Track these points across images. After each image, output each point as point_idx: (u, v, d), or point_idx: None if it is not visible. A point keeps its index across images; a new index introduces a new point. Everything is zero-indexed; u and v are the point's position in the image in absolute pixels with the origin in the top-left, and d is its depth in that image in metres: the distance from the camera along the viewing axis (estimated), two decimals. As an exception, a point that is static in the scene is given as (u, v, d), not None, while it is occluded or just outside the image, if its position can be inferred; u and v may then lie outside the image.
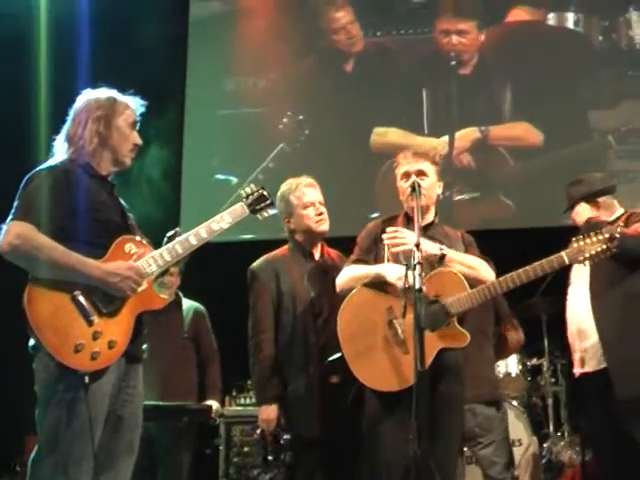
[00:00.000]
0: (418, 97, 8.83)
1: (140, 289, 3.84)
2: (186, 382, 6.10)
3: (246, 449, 7.00)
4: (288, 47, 9.23)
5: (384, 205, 8.15)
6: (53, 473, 3.63)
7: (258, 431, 5.17)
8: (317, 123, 9.05)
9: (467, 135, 8.63)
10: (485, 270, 4.59)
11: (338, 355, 4.62)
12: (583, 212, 5.15)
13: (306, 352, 4.95)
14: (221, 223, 4.10)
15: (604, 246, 4.33)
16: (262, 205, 4.30)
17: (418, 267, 4.08)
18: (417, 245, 4.18)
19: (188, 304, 6.30)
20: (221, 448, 7.03)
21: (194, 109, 9.17)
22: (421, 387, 3.91)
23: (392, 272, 4.44)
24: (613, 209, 5.18)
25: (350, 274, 4.67)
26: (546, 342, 7.01)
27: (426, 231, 4.61)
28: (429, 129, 8.76)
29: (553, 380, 7.19)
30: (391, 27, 9.03)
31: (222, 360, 6.33)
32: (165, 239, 4.05)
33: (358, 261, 4.73)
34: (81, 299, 3.70)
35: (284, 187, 5.22)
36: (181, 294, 6.28)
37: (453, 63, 8.82)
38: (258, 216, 4.31)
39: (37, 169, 3.89)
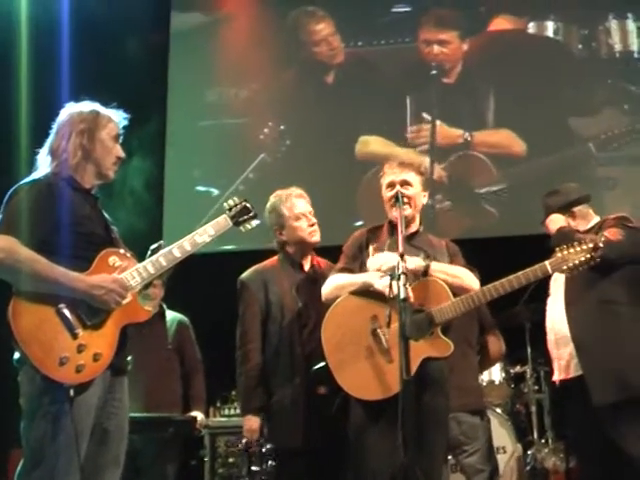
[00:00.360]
0: (401, 106, 8.84)
1: (125, 302, 3.85)
2: (170, 393, 6.09)
3: (231, 460, 6.98)
4: (269, 58, 9.21)
5: (367, 213, 8.17)
6: (39, 486, 3.62)
7: (243, 441, 5.15)
8: (298, 133, 9.05)
9: (448, 141, 8.67)
10: (469, 278, 4.61)
11: (322, 364, 4.64)
12: (556, 221, 5.18)
13: (292, 362, 4.96)
14: (204, 236, 4.11)
15: (587, 255, 4.37)
16: (245, 217, 4.32)
17: (402, 277, 4.10)
18: (401, 255, 4.20)
19: (172, 315, 6.30)
20: (206, 459, 7.01)
21: (176, 120, 9.15)
22: (406, 396, 3.92)
23: (379, 280, 4.45)
24: (589, 218, 5.22)
25: (336, 283, 4.69)
26: (529, 349, 7.01)
27: (410, 240, 4.64)
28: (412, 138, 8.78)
29: (536, 387, 7.19)
30: (372, 37, 9.05)
31: (206, 371, 6.33)
32: (149, 252, 4.06)
33: (344, 270, 4.75)
34: (66, 312, 3.70)
35: (274, 198, 5.23)
36: (165, 305, 6.27)
37: (434, 72, 8.84)
38: (241, 228, 4.32)
39: (21, 183, 3.89)
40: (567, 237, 4.83)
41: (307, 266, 5.21)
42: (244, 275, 5.22)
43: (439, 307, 4.42)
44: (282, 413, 4.93)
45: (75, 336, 3.69)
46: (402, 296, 4.04)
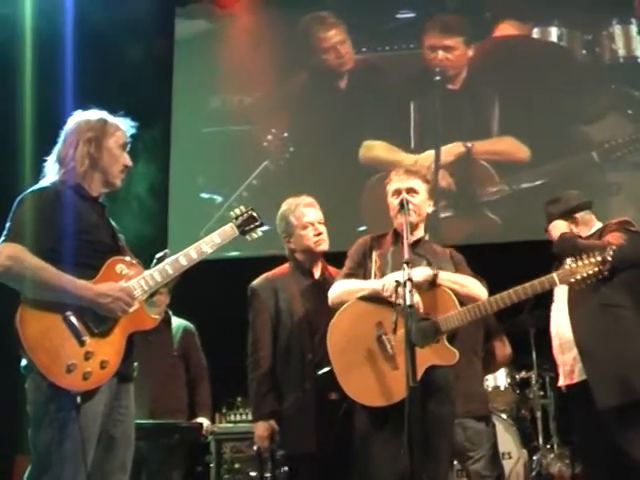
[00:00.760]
0: (405, 112, 8.84)
1: (131, 310, 3.86)
2: (176, 400, 6.10)
3: (237, 466, 6.98)
4: (274, 65, 9.21)
5: (371, 219, 8.20)
6: (47, 493, 3.63)
7: (255, 447, 5.15)
8: (301, 140, 9.07)
9: (452, 150, 8.66)
10: (477, 288, 4.61)
11: (327, 369, 4.65)
12: (559, 227, 5.20)
13: (302, 369, 4.96)
14: (211, 244, 4.12)
15: (596, 269, 4.38)
16: (252, 226, 4.33)
17: (409, 283, 4.10)
18: (407, 262, 4.20)
19: (177, 322, 6.31)
20: (212, 465, 7.00)
21: (180, 127, 9.16)
22: (412, 403, 3.92)
23: (387, 287, 4.44)
24: (591, 224, 5.24)
25: (342, 288, 4.69)
26: (534, 355, 7.01)
27: (414, 248, 4.63)
28: (416, 144, 8.78)
29: (542, 393, 7.19)
30: (376, 43, 9.06)
31: (212, 377, 6.34)
32: (155, 260, 4.07)
33: (350, 275, 4.76)
34: (73, 319, 3.71)
35: (284, 207, 5.25)
36: (170, 312, 6.28)
37: (438, 78, 8.85)
38: (247, 237, 4.33)
39: (28, 190, 3.90)
40: (569, 243, 4.86)
41: (317, 273, 5.22)
42: (254, 282, 5.23)
43: (445, 316, 4.42)
44: (294, 419, 4.93)
45: (82, 343, 3.70)
46: (409, 302, 4.05)
